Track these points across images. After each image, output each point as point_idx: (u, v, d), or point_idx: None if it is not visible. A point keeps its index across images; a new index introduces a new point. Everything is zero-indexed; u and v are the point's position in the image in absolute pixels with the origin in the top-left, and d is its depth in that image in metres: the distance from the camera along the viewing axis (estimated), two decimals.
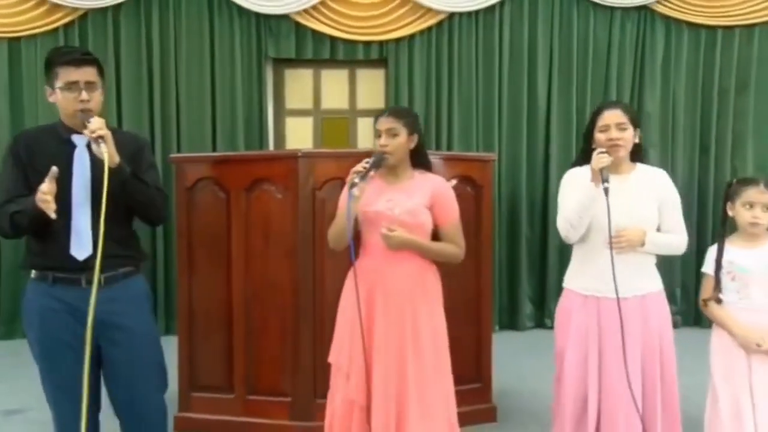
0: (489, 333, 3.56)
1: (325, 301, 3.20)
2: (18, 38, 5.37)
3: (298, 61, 5.68)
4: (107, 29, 5.40)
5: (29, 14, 5.32)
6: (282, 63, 5.76)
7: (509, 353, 4.29)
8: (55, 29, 5.38)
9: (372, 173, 2.48)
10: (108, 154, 2.17)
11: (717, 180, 5.59)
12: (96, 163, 2.24)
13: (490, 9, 5.50)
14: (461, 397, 3.38)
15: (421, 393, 2.52)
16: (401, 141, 2.56)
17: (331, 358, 2.66)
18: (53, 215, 2.12)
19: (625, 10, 5.57)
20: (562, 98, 5.55)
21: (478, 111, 5.55)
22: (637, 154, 2.66)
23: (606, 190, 2.38)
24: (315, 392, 3.22)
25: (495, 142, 5.52)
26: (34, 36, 5.37)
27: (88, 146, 2.26)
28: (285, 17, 5.46)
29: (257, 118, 5.55)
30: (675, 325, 2.87)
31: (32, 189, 2.21)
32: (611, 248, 2.45)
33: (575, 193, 2.54)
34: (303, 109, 5.84)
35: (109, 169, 2.17)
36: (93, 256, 2.19)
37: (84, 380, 2.12)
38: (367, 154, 2.61)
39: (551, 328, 5.44)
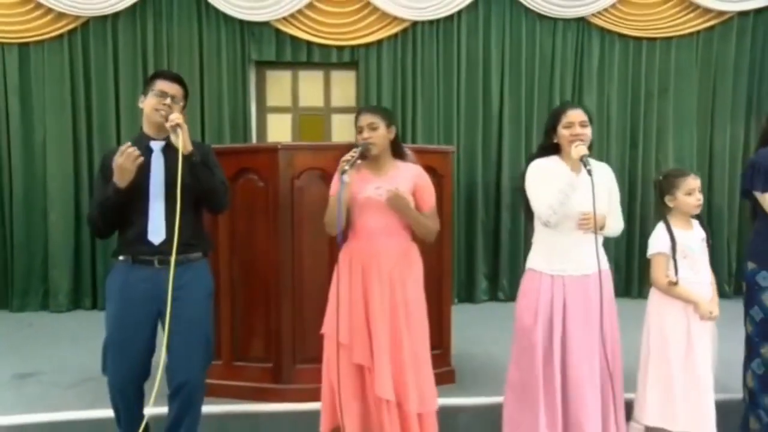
0: (449, 305, 3.53)
1: (303, 278, 3.15)
2: (27, 44, 5.24)
3: (278, 64, 5.59)
4: (107, 35, 5.29)
5: (37, 22, 5.19)
6: (264, 65, 5.66)
7: (466, 323, 4.29)
8: (60, 36, 5.26)
9: (359, 162, 2.47)
10: (183, 141, 2.31)
11: (644, 171, 5.64)
12: (169, 163, 2.37)
13: (449, 18, 5.46)
14: None
15: (414, 354, 2.53)
16: (382, 133, 2.54)
17: (326, 330, 2.60)
18: (139, 161, 2.29)
19: (566, 21, 5.57)
20: (512, 98, 5.54)
21: (439, 108, 5.51)
22: (589, 150, 2.64)
23: (589, 172, 2.40)
24: (294, 358, 3.17)
25: (454, 136, 5.49)
26: (41, 42, 5.24)
27: (163, 150, 2.41)
28: (266, 24, 5.37)
29: (241, 114, 5.46)
30: None
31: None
32: (595, 228, 2.47)
33: (555, 182, 2.49)
34: (282, 107, 5.75)
35: (183, 156, 2.30)
36: (166, 241, 2.33)
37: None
38: (348, 146, 2.59)
39: (503, 300, 5.54)
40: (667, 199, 2.71)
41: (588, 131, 2.55)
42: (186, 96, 2.55)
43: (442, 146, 5.05)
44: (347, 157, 2.44)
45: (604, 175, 2.64)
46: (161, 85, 2.46)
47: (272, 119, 5.77)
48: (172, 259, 2.29)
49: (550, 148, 2.62)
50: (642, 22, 5.58)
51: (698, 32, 5.66)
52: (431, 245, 3.38)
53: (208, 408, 2.98)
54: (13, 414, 2.98)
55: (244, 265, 3.22)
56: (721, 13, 5.59)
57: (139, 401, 2.49)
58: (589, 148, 2.62)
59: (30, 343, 4.30)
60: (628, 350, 2.76)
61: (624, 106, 5.68)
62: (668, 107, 5.67)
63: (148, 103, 2.46)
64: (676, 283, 2.64)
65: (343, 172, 2.40)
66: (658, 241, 2.70)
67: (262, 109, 5.75)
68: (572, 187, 2.43)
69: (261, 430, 3.04)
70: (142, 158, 2.32)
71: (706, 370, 2.65)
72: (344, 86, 5.73)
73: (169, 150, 2.40)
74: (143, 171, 2.37)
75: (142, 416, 2.52)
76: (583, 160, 2.42)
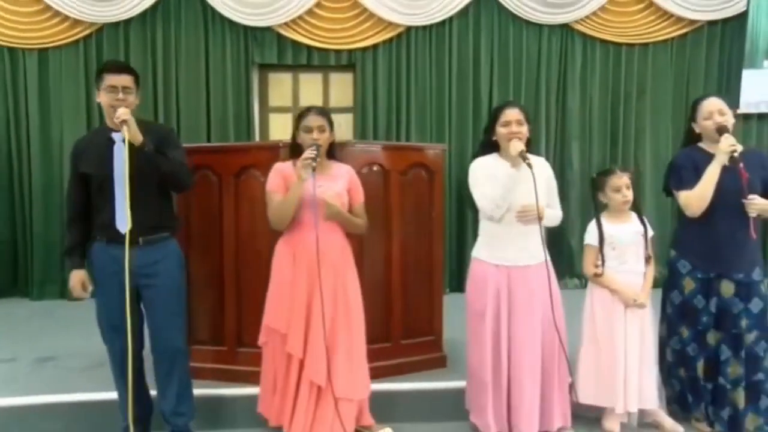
0: (440, 295, 3.51)
1: None
2: (46, 49, 5.22)
3: (279, 66, 5.54)
4: (119, 40, 5.28)
5: (55, 28, 5.18)
6: (266, 68, 5.62)
7: (457, 311, 4.25)
8: (77, 41, 5.24)
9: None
10: (130, 134, 2.28)
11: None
12: (130, 153, 2.32)
13: (441, 24, 5.43)
14: (418, 348, 3.36)
15: (349, 345, 2.52)
16: (327, 135, 2.57)
17: (270, 323, 2.59)
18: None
19: (551, 27, 5.54)
20: (501, 99, 5.45)
21: (431, 108, 5.48)
22: (528, 146, 2.60)
23: (529, 165, 2.37)
24: None
25: (445, 134, 5.46)
26: (59, 47, 5.23)
27: (124, 141, 2.33)
28: (269, 29, 5.33)
29: (245, 114, 5.42)
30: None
31: (88, 181, 2.43)
32: (539, 218, 2.45)
33: (497, 178, 2.48)
34: (283, 107, 5.69)
35: (134, 146, 2.29)
36: (133, 229, 2.33)
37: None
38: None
39: None
40: (600, 196, 2.78)
41: (524, 129, 2.53)
42: (137, 82, 2.47)
43: (434, 144, 5.01)
44: (308, 157, 2.43)
45: (543, 169, 2.62)
46: (109, 79, 2.38)
47: (274, 119, 5.73)
48: (126, 243, 2.31)
49: (489, 145, 2.61)
50: (621, 29, 5.58)
51: (672, 39, 5.66)
52: (423, 237, 3.38)
53: (212, 391, 3.00)
54: (34, 395, 3.02)
55: (247, 257, 3.19)
56: (692, 21, 5.60)
57: (141, 378, 2.49)
58: (527, 144, 2.57)
59: (49, 330, 4.31)
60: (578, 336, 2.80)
61: (605, 107, 5.67)
62: (646, 108, 5.68)
63: (102, 99, 2.42)
64: (600, 274, 2.72)
65: (312, 168, 2.42)
66: (588, 234, 2.79)
67: (265, 109, 5.71)
68: (513, 180, 2.42)
69: None
70: None
71: (647, 352, 2.70)
72: (342, 88, 5.69)
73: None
74: (108, 163, 2.37)
75: (145, 397, 2.51)
76: (521, 155, 2.40)
